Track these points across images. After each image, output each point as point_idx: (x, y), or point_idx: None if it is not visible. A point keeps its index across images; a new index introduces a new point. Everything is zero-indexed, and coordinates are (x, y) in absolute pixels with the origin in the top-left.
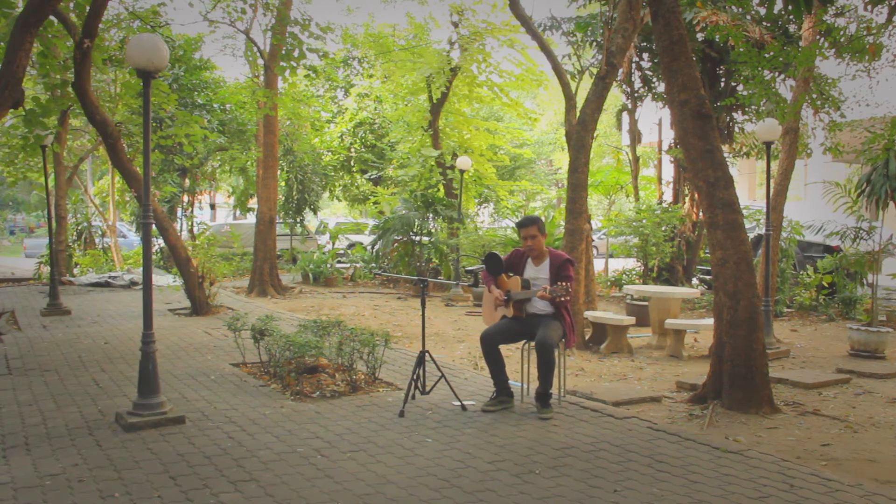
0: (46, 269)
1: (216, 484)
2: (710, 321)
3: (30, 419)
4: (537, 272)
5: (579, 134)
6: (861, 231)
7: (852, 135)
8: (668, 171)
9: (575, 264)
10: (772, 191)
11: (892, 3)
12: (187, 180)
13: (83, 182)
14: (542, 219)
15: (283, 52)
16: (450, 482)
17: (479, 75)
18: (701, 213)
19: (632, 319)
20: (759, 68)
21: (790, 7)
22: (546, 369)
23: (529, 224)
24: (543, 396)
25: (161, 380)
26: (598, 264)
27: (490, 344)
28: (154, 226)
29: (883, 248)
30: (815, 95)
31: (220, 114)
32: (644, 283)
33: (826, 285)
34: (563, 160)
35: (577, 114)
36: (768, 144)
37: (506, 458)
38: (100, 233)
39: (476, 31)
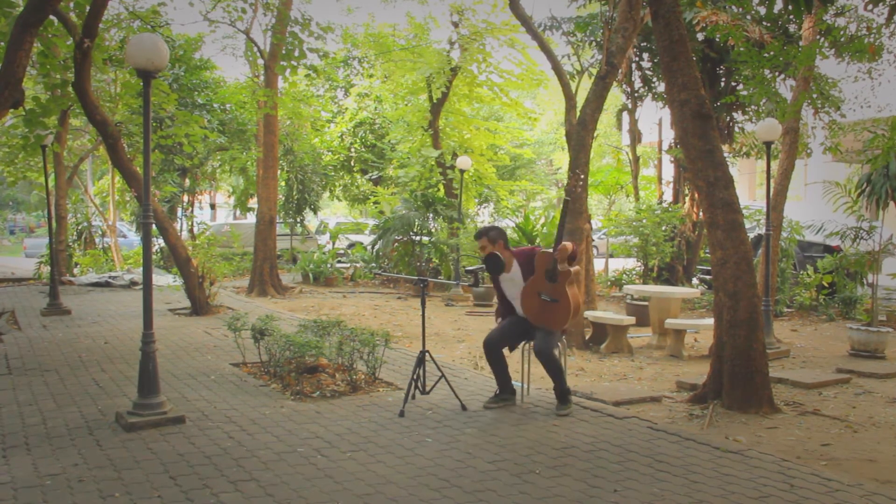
0: (46, 269)
1: (216, 484)
2: (710, 321)
3: (30, 419)
4: (511, 276)
5: (579, 134)
6: (861, 231)
7: (856, 138)
8: (668, 171)
9: (539, 249)
10: (772, 191)
11: (892, 4)
12: (187, 180)
13: (83, 182)
14: (493, 227)
15: (284, 51)
16: (450, 482)
17: (479, 75)
18: (701, 213)
19: (632, 319)
20: (759, 68)
21: (790, 7)
22: (554, 372)
23: (477, 237)
24: (561, 394)
25: (161, 380)
26: (598, 264)
27: (494, 349)
28: (154, 226)
29: (883, 248)
30: (815, 95)
31: (220, 114)
32: (644, 283)
33: (826, 285)
34: (563, 160)
35: (577, 114)
36: (768, 144)
37: (506, 458)
38: (100, 233)
39: (476, 30)
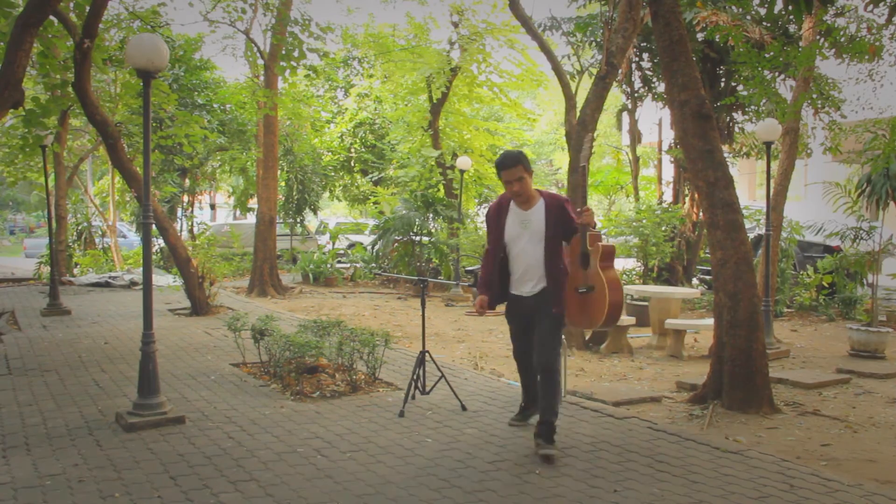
0: (46, 269)
1: (216, 484)
2: (710, 321)
3: (30, 419)
4: (527, 216)
5: (579, 134)
6: (861, 231)
7: (857, 140)
8: (668, 171)
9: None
10: (772, 191)
11: (892, 4)
12: (187, 180)
13: (83, 182)
14: (522, 152)
15: (283, 52)
16: (450, 482)
17: (479, 75)
18: (701, 213)
19: (632, 319)
20: (759, 68)
21: (790, 7)
22: (550, 394)
23: (512, 164)
24: (549, 427)
25: (161, 380)
26: None
27: (520, 360)
28: (154, 226)
29: (883, 248)
30: (815, 95)
31: (220, 114)
32: (644, 283)
33: (826, 285)
34: (563, 160)
35: (577, 114)
36: (768, 144)
37: (506, 458)
38: (100, 233)
39: (476, 31)
